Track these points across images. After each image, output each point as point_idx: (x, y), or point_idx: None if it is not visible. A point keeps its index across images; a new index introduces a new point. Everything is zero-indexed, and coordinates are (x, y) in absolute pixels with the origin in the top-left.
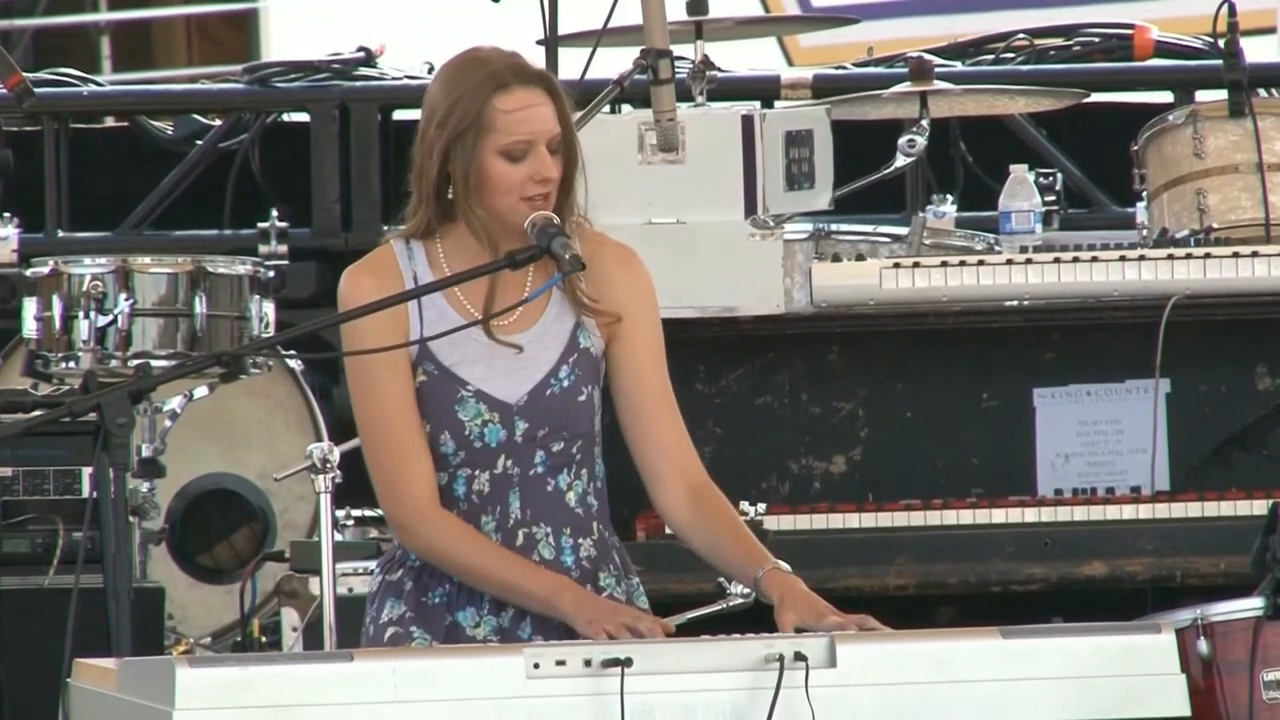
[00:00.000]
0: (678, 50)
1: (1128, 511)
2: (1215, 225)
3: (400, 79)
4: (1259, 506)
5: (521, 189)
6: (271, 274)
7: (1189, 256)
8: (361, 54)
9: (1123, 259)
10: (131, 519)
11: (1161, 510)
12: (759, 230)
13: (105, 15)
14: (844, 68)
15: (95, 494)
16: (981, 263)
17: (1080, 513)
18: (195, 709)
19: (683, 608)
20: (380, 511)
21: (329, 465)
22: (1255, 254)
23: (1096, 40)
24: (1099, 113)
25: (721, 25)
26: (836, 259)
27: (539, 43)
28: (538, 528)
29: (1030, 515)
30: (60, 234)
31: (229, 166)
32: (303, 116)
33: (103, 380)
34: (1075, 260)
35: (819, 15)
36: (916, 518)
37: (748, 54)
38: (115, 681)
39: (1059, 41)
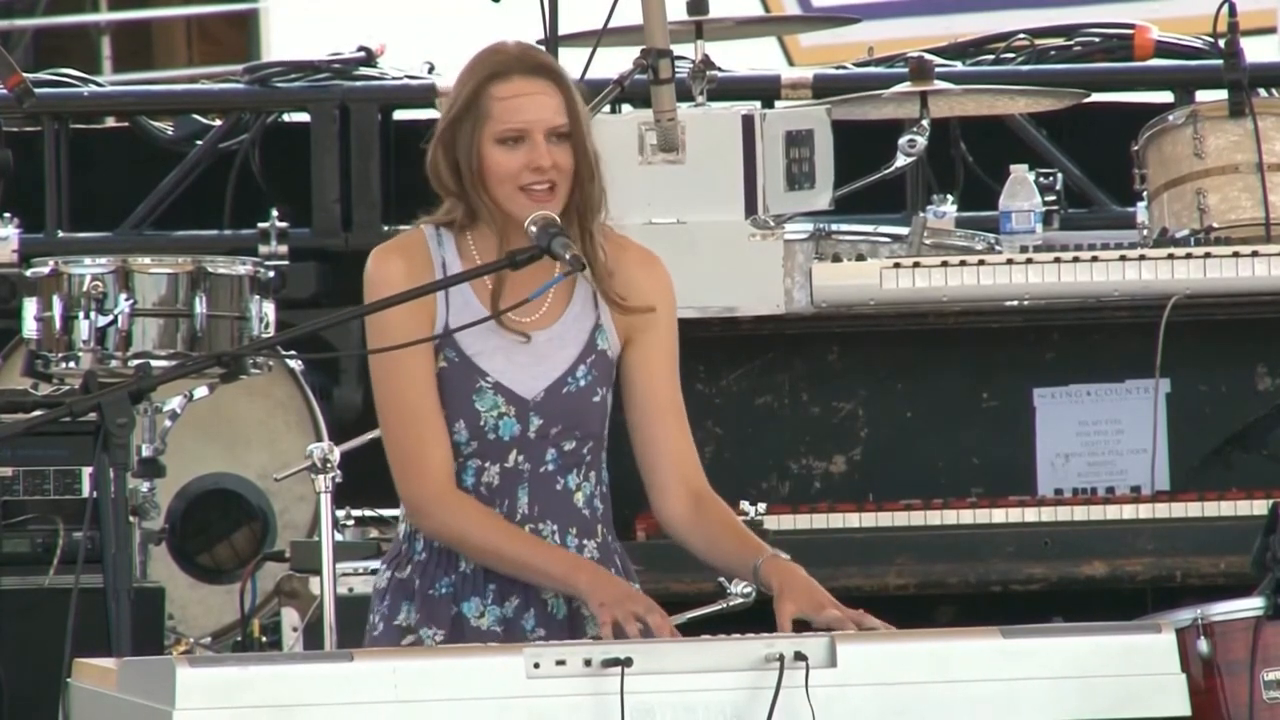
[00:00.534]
0: (678, 50)
1: (1128, 511)
2: (1215, 225)
3: (400, 79)
4: (1259, 506)
5: (518, 178)
6: (271, 274)
7: (1189, 256)
8: (362, 54)
9: (1123, 259)
10: (132, 519)
11: (1161, 510)
12: (759, 230)
13: (105, 15)
14: (844, 68)
15: (95, 494)
16: (982, 263)
17: (1080, 513)
18: (195, 709)
19: (683, 608)
20: (379, 511)
21: (329, 465)
22: (1255, 254)
23: (1097, 40)
24: (1099, 113)
25: (722, 25)
26: (837, 259)
27: (539, 43)
28: (544, 525)
29: (1030, 515)
30: (60, 234)
31: (229, 167)
32: (303, 116)
33: (103, 380)
34: (1075, 260)
35: (819, 15)
36: (917, 518)
37: (748, 54)
38: (115, 681)
39: (1059, 41)
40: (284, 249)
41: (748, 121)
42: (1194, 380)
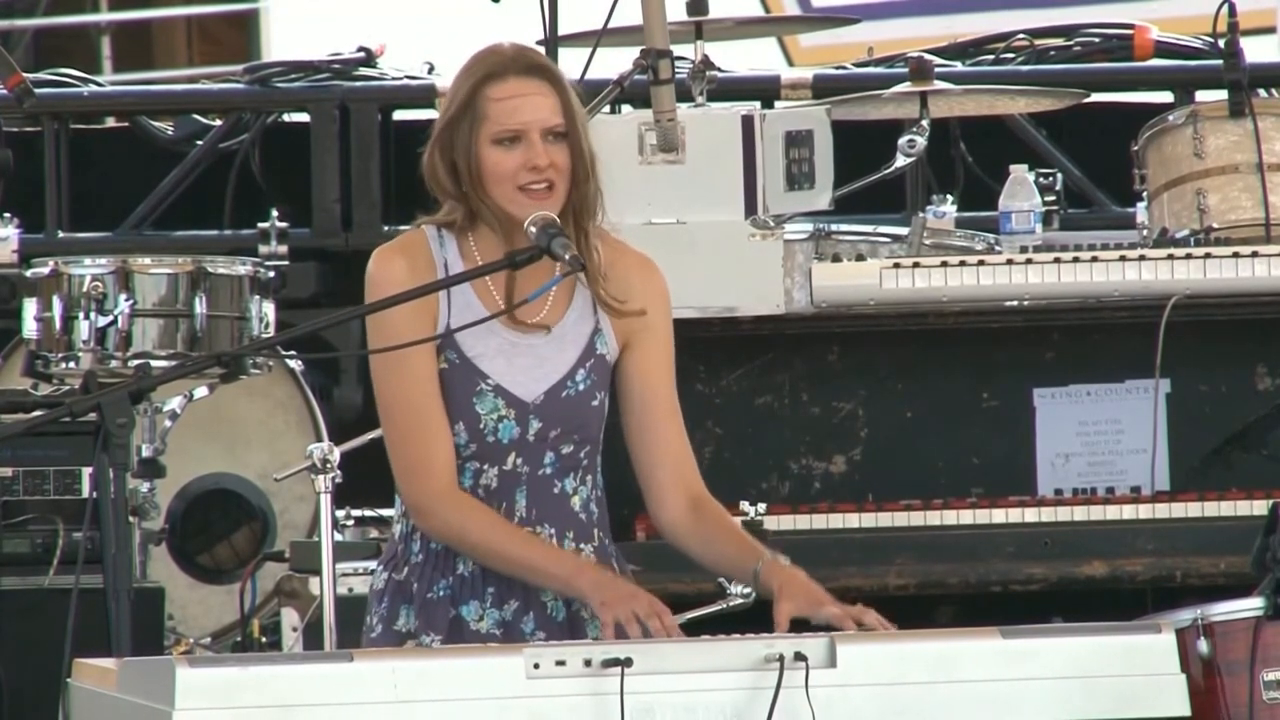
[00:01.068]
0: (678, 50)
1: (1128, 511)
2: (1215, 225)
3: (400, 79)
4: (1259, 506)
5: (515, 178)
6: (272, 274)
7: (1189, 256)
8: (362, 54)
9: (1123, 259)
10: (131, 519)
11: (1161, 510)
12: (759, 230)
13: (106, 16)
14: (844, 68)
15: (95, 494)
16: (981, 263)
17: (1080, 513)
18: (195, 709)
19: (683, 608)
20: (379, 512)
21: (329, 465)
22: (1255, 254)
23: (1097, 40)
24: (1099, 113)
25: (721, 25)
26: (836, 259)
27: (539, 43)
28: (542, 528)
29: (1030, 515)
30: (60, 234)
31: (229, 167)
32: (303, 117)
33: (103, 380)
34: (1075, 260)
35: (819, 15)
36: (916, 518)
37: (748, 54)
38: (115, 681)
39: (1059, 41)
40: (284, 249)
41: (747, 122)
42: (1194, 380)
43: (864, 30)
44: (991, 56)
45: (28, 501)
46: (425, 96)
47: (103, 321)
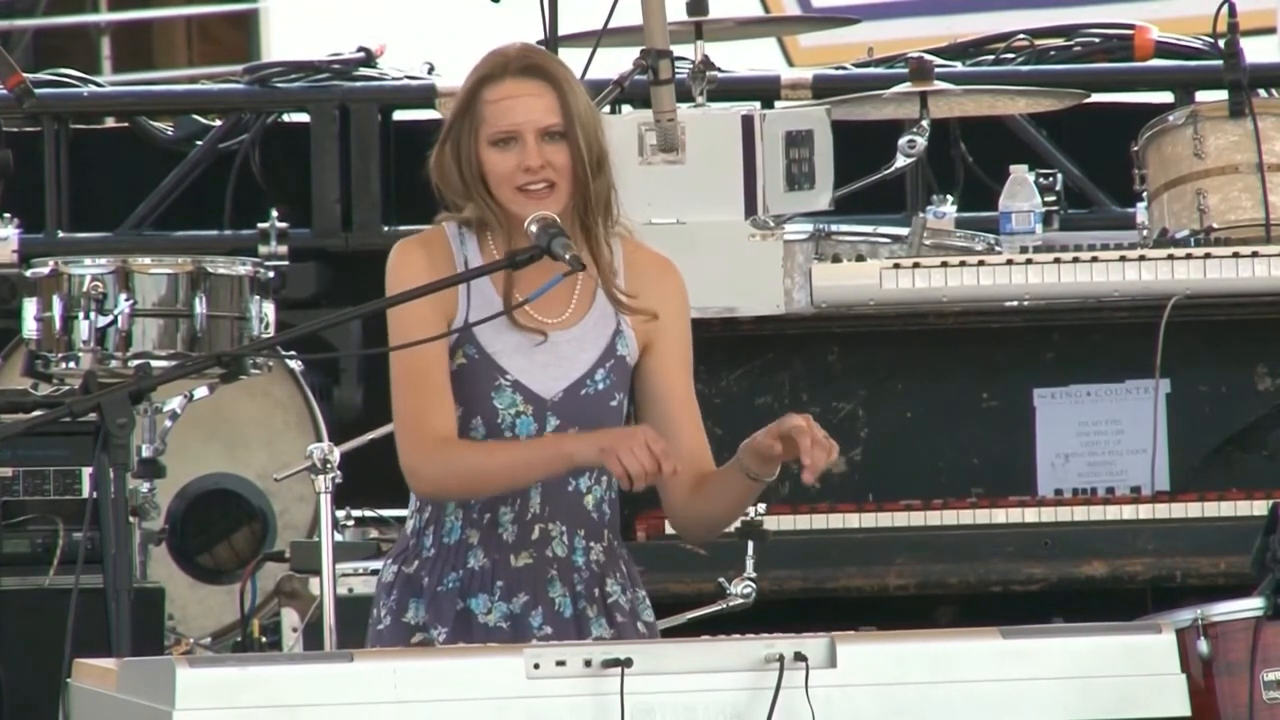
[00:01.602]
0: (678, 50)
1: (1128, 511)
2: (1215, 225)
3: (400, 79)
4: (1259, 507)
5: (513, 179)
6: (271, 274)
7: (1189, 257)
8: (362, 54)
9: (1123, 259)
10: (132, 519)
11: (1161, 510)
12: (759, 231)
13: (105, 16)
14: (844, 68)
15: (95, 494)
16: (981, 263)
17: (1080, 513)
18: (195, 709)
19: (683, 608)
20: (379, 512)
21: (329, 465)
22: (1255, 254)
23: (1097, 40)
24: (1099, 113)
25: (721, 25)
26: (836, 259)
27: (539, 43)
28: (554, 525)
29: (1030, 515)
30: (60, 234)
31: (229, 167)
32: (303, 117)
33: (103, 380)
34: (1075, 260)
35: (819, 15)
36: (917, 518)
37: (748, 54)
38: (115, 682)
39: (1059, 42)
40: (284, 249)
41: (747, 122)
42: (1194, 380)
43: (864, 30)
44: (991, 57)
45: (28, 501)
46: (425, 97)
47: (103, 321)
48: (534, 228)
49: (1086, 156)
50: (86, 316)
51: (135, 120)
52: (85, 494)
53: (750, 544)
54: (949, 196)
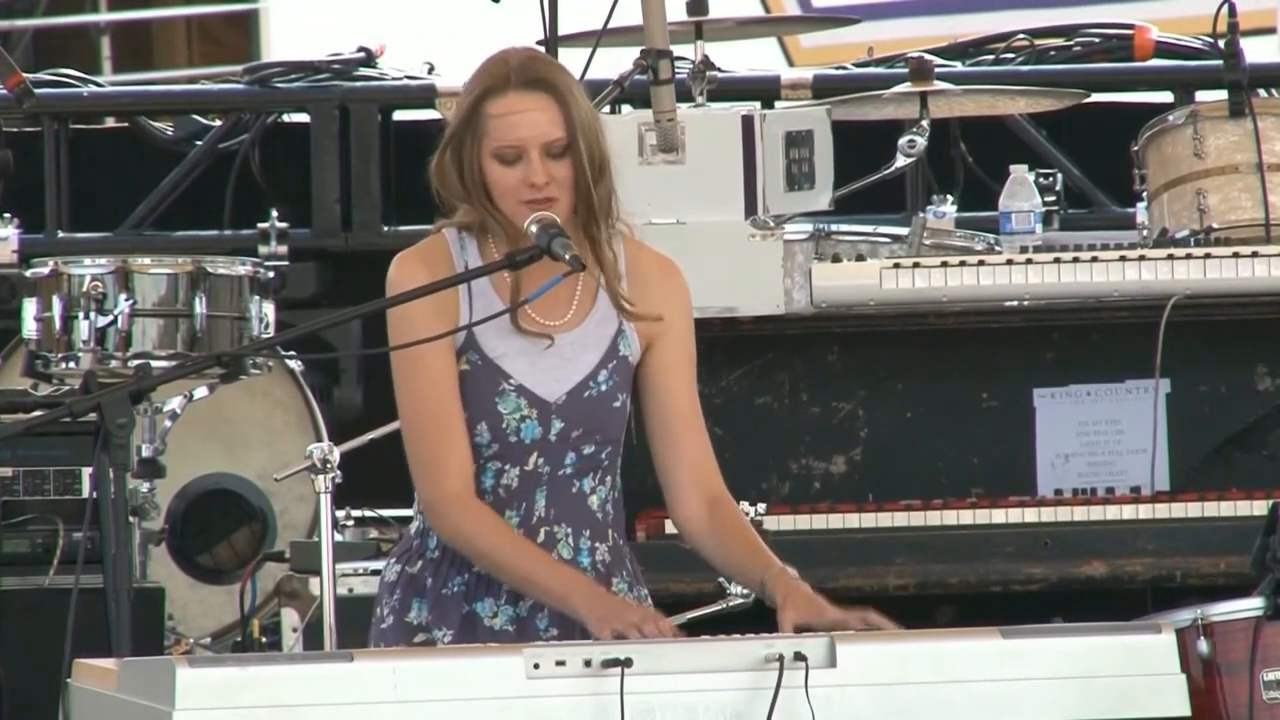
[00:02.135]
0: (678, 50)
1: (1128, 511)
2: (1215, 225)
3: (400, 79)
4: (1259, 506)
5: (517, 193)
6: (271, 274)
7: (1189, 257)
8: (362, 54)
9: (1123, 259)
10: (131, 519)
11: (1161, 510)
12: (759, 230)
13: (105, 16)
14: (844, 68)
15: (95, 494)
16: (981, 263)
17: (1080, 513)
18: (195, 709)
19: (683, 608)
20: (379, 512)
21: (329, 465)
22: (1255, 254)
23: (1097, 40)
24: (1099, 113)
25: (722, 25)
26: (836, 259)
27: (539, 43)
28: (559, 527)
29: (1030, 515)
30: (60, 234)
31: (229, 167)
32: (303, 117)
33: (103, 380)
34: (1075, 260)
35: (819, 15)
36: (916, 518)
37: (748, 54)
38: (115, 682)
39: (1059, 42)
40: (284, 249)
41: (747, 122)
42: (1194, 380)
43: (864, 30)
44: (991, 56)
45: (28, 502)
46: (425, 97)
47: (102, 321)
48: (534, 228)
49: (1086, 156)
50: (86, 316)
51: (135, 120)
52: (85, 494)
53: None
54: (949, 196)
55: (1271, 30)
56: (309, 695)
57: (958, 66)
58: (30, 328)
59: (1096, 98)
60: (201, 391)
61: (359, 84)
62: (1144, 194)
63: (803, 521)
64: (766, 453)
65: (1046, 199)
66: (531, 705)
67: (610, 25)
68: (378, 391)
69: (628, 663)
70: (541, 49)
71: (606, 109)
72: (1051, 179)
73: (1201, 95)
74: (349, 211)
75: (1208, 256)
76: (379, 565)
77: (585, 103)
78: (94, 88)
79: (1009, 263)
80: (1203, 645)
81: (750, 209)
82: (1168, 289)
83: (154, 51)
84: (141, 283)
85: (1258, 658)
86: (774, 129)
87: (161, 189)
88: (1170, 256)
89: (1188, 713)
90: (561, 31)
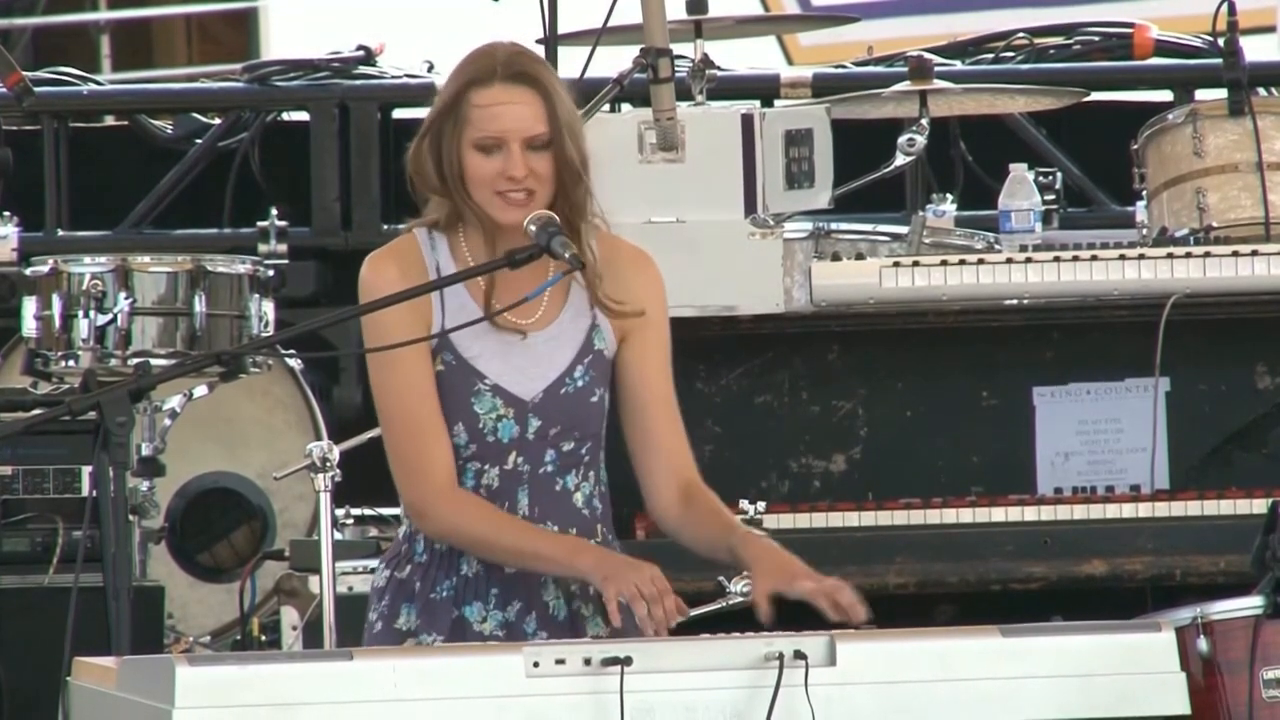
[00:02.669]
0: (677, 49)
1: (1127, 510)
2: (1215, 224)
3: (400, 78)
4: (1259, 505)
5: (494, 184)
6: (271, 273)
7: (1189, 255)
8: (361, 53)
9: (1122, 258)
10: (131, 518)
11: (1161, 509)
12: (759, 229)
13: (105, 14)
14: (844, 67)
15: (95, 493)
16: (981, 262)
17: (1080, 511)
18: (195, 707)
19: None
20: (379, 510)
21: (328, 464)
22: (1255, 253)
23: (1096, 39)
24: (1099, 112)
25: (721, 24)
26: (836, 258)
27: (539, 42)
28: (545, 525)
29: (1030, 514)
30: (60, 233)
31: (229, 165)
32: (302, 115)
33: (102, 379)
34: (1075, 259)
35: (819, 14)
36: (916, 516)
37: (747, 53)
38: (115, 680)
39: (1059, 40)
40: (283, 248)
41: (747, 120)
42: (1194, 379)
43: (863, 29)
44: (991, 55)
45: (27, 500)
46: (425, 95)
47: (102, 320)
48: (533, 227)
49: (1086, 155)
50: (86, 315)
51: (135, 119)
52: (85, 492)
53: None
54: (948, 195)
55: (1271, 29)
56: (309, 694)
57: (957, 65)
58: (30, 326)
59: (1096, 96)
60: (201, 390)
61: (359, 82)
62: (1143, 193)
63: (802, 520)
64: (766, 451)
65: (1046, 198)
66: (531, 704)
67: (610, 24)
68: None
69: (627, 661)
70: (539, 47)
71: (606, 107)
72: (1051, 178)
73: (1201, 94)
74: (348, 210)
75: (1207, 255)
76: (377, 563)
77: (568, 101)
78: (93, 86)
79: (1009, 261)
80: (1202, 644)
81: (750, 208)
82: (1167, 288)
83: (153, 50)
84: (141, 281)
85: (1257, 656)
86: (773, 128)
87: (161, 187)
88: (1170, 255)
89: (1187, 711)
90: (561, 30)
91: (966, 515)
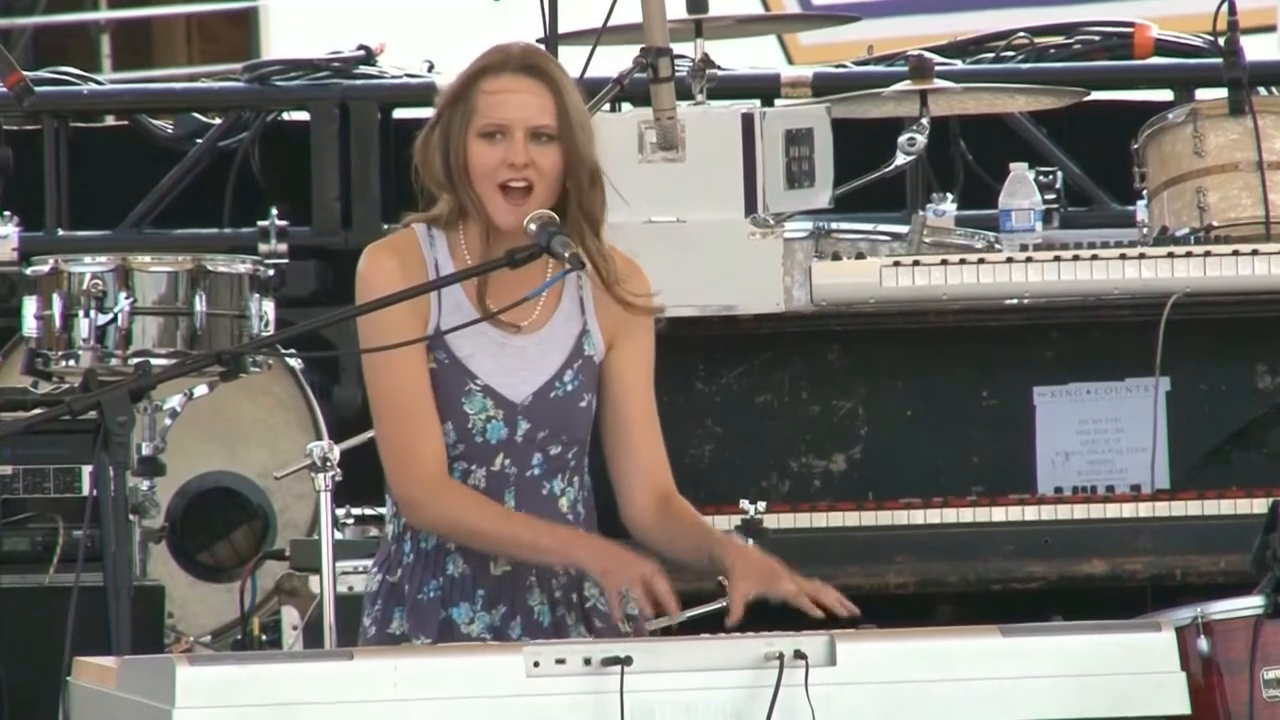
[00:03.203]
0: (678, 48)
1: (1128, 510)
2: (1215, 223)
3: (400, 78)
4: (1259, 505)
5: (495, 174)
6: (271, 272)
7: (1189, 255)
8: (361, 52)
9: (1123, 257)
10: (132, 517)
11: (1161, 509)
12: (759, 229)
13: (105, 14)
14: (844, 66)
15: (95, 492)
16: (982, 261)
17: (1080, 511)
18: (195, 707)
19: (682, 608)
20: (379, 510)
21: (329, 463)
22: (1255, 252)
23: (1097, 38)
24: (1099, 111)
25: (721, 23)
26: (836, 257)
27: (539, 41)
28: None
29: (1030, 513)
30: (60, 232)
31: (229, 165)
32: (303, 115)
33: (103, 379)
34: (1075, 258)
35: (819, 13)
36: (916, 516)
37: (748, 52)
38: (115, 680)
39: (1059, 40)
40: (284, 247)
41: (747, 120)
42: (1194, 379)
43: (864, 28)
44: (991, 55)
45: (28, 500)
46: (425, 95)
47: (103, 319)
48: (533, 226)
49: (1086, 154)
50: (86, 314)
51: (135, 118)
52: (85, 492)
53: (750, 542)
54: (949, 194)
55: (1271, 28)
56: (309, 693)
57: (958, 64)
58: (30, 326)
59: (1096, 96)
60: (201, 389)
61: (359, 82)
62: (1144, 192)
63: (803, 520)
64: (766, 451)
65: (1046, 197)
66: (531, 704)
67: (610, 23)
68: None
69: (627, 661)
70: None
71: (606, 107)
72: (1051, 177)
73: (1201, 93)
74: (349, 209)
75: (1208, 255)
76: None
77: (579, 103)
78: (94, 86)
79: (1009, 261)
80: (1203, 644)
81: (750, 207)
82: (1168, 287)
83: (154, 49)
84: (141, 281)
85: (1258, 656)
86: (774, 127)
87: (161, 187)
88: (1170, 255)
89: (1188, 711)
90: (561, 29)
91: (967, 515)
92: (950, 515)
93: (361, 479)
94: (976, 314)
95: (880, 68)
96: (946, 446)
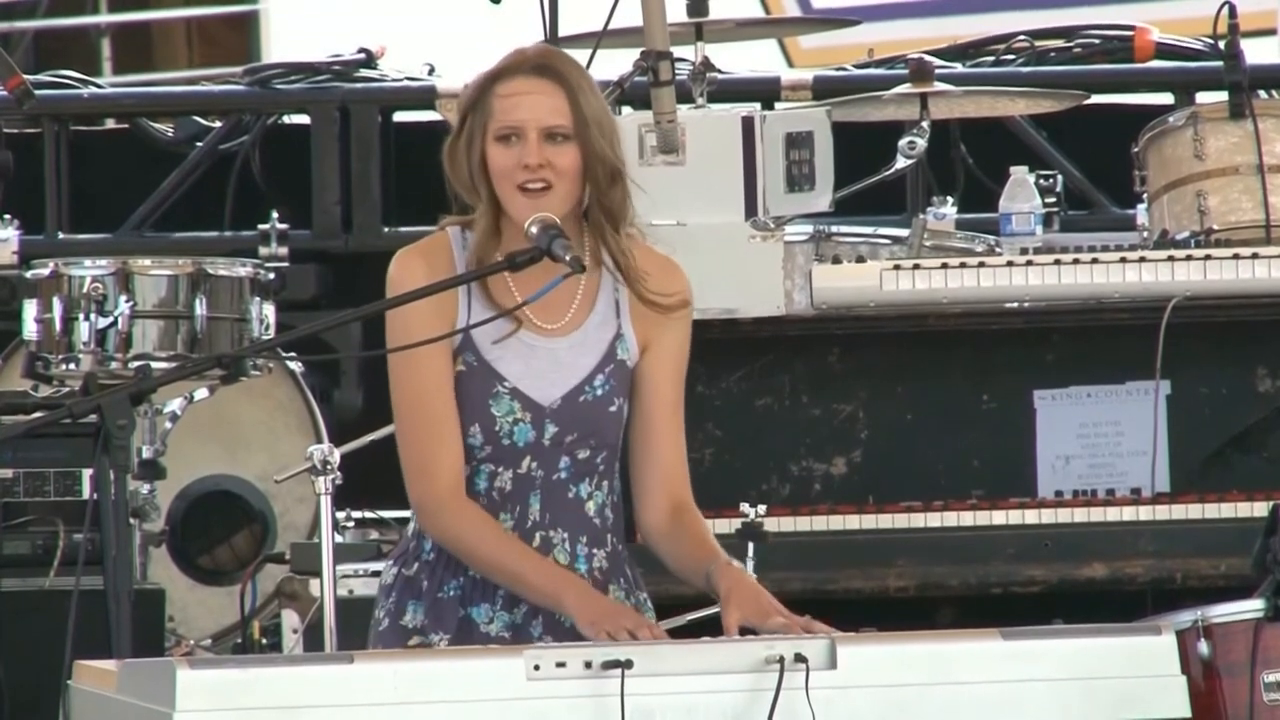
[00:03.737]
0: (678, 52)
1: (1128, 513)
2: (1216, 227)
3: (400, 81)
4: (1259, 508)
5: (513, 176)
6: (272, 276)
7: (1189, 258)
8: (362, 56)
9: (1123, 260)
10: (132, 521)
11: (1162, 512)
12: (759, 232)
13: (106, 17)
14: (844, 69)
15: (96, 496)
16: (982, 264)
17: (1080, 514)
18: (195, 711)
19: (683, 609)
20: (380, 513)
21: (329, 467)
22: (1256, 255)
23: (1097, 42)
24: (1099, 114)
25: (722, 27)
26: (837, 261)
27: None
28: (555, 532)
29: (1030, 517)
30: (61, 236)
31: (229, 168)
32: (303, 118)
33: (103, 382)
34: (1076, 262)
35: (819, 17)
36: (917, 519)
37: (748, 55)
38: (115, 683)
39: (1059, 43)
40: (284, 251)
41: (748, 123)
42: (1194, 382)
43: (864, 32)
44: (992, 58)
45: (28, 503)
46: (426, 98)
47: (103, 323)
48: (534, 229)
49: (1087, 158)
50: (87, 318)
51: (135, 122)
52: (85, 495)
53: (751, 545)
54: (949, 198)
55: (1272, 31)
56: (309, 697)
57: (958, 68)
58: (30, 329)
59: (1097, 99)
60: (202, 393)
61: (359, 85)
62: (1144, 195)
63: (803, 523)
64: (767, 454)
65: (1047, 200)
66: (532, 707)
67: (610, 26)
68: (378, 393)
69: (628, 664)
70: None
71: None
72: (1052, 180)
73: (1202, 97)
74: (349, 213)
75: (1208, 258)
76: (379, 566)
77: (597, 101)
78: (94, 89)
79: (1009, 264)
80: (1203, 647)
81: (750, 210)
82: (1168, 290)
83: (154, 53)
84: (142, 284)
85: (1258, 659)
86: (774, 130)
87: (162, 190)
88: (1170, 258)
89: (1188, 714)
90: (561, 32)
91: (967, 518)
92: (951, 519)
93: (362, 482)
94: (977, 317)
95: (881, 71)
96: (947, 450)
